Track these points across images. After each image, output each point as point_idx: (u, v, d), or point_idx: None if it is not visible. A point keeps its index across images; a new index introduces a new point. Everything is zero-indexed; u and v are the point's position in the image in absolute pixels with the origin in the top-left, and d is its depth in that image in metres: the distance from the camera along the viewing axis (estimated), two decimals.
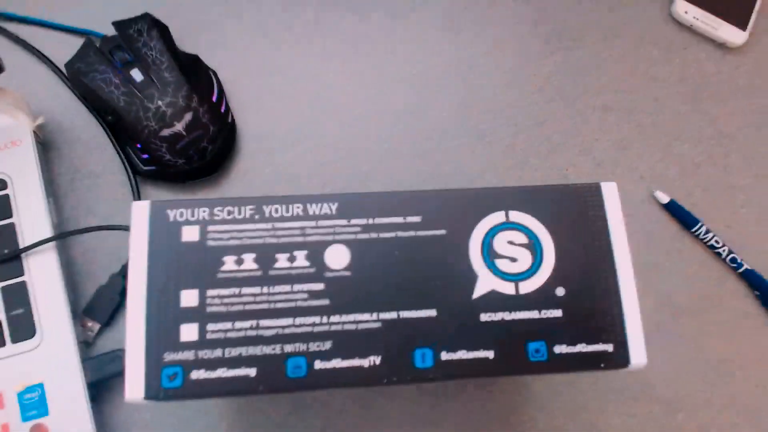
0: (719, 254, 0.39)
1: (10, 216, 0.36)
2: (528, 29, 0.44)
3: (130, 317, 0.22)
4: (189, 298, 0.22)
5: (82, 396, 0.34)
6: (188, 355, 0.22)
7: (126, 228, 0.37)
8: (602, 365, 0.23)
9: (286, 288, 0.23)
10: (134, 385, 0.22)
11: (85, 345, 0.36)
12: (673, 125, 0.43)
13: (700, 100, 0.43)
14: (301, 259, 0.23)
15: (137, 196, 0.38)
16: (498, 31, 0.44)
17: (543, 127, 0.42)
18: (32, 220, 0.36)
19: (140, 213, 0.23)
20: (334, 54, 0.43)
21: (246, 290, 0.23)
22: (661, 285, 0.39)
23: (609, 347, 0.23)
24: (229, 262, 0.23)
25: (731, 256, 0.39)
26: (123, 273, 0.37)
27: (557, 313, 0.23)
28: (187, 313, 0.22)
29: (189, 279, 0.23)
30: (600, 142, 0.42)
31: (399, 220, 0.23)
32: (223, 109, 0.39)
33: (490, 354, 0.23)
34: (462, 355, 0.23)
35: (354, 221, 0.23)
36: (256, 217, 0.23)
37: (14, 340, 0.35)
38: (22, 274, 0.36)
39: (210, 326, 0.22)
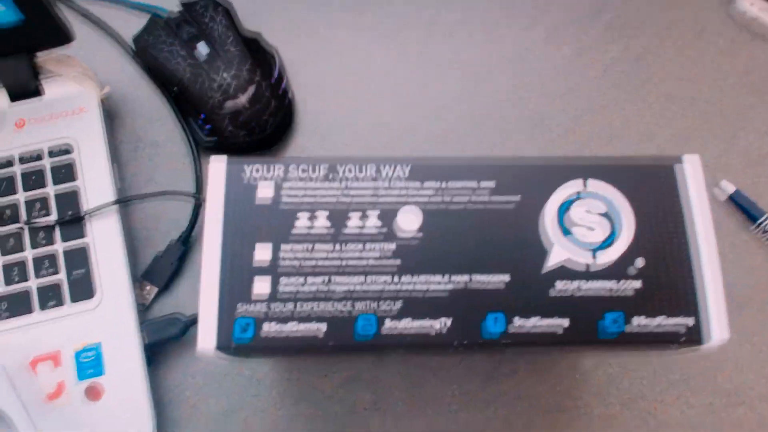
0: None
1: (75, 180, 0.37)
2: (588, 17, 0.43)
3: (205, 268, 0.22)
4: (262, 252, 0.23)
5: (138, 357, 0.35)
6: (260, 308, 0.22)
7: (188, 194, 0.38)
8: (682, 339, 0.22)
9: (358, 247, 0.23)
10: (206, 335, 0.22)
11: (142, 308, 0.37)
12: (738, 116, 0.41)
13: (766, 92, 0.42)
14: (373, 219, 0.23)
15: (198, 166, 0.39)
16: (556, 18, 0.43)
17: (604, 113, 0.41)
18: (96, 184, 0.37)
19: (217, 168, 0.23)
20: (392, 37, 0.43)
21: (318, 247, 0.23)
22: (724, 277, 0.38)
23: (690, 321, 0.22)
24: (302, 219, 0.23)
25: None
26: (182, 239, 0.38)
27: (636, 284, 0.22)
28: (261, 268, 0.22)
29: (263, 234, 0.23)
30: (663, 130, 0.41)
31: (472, 184, 0.23)
32: (283, 87, 0.39)
33: (564, 323, 0.22)
34: (535, 322, 0.22)
35: (427, 184, 0.23)
36: (330, 176, 0.23)
37: (74, 300, 0.35)
38: (84, 236, 0.36)
39: (282, 281, 0.22)
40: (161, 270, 0.37)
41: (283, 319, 0.22)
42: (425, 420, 0.36)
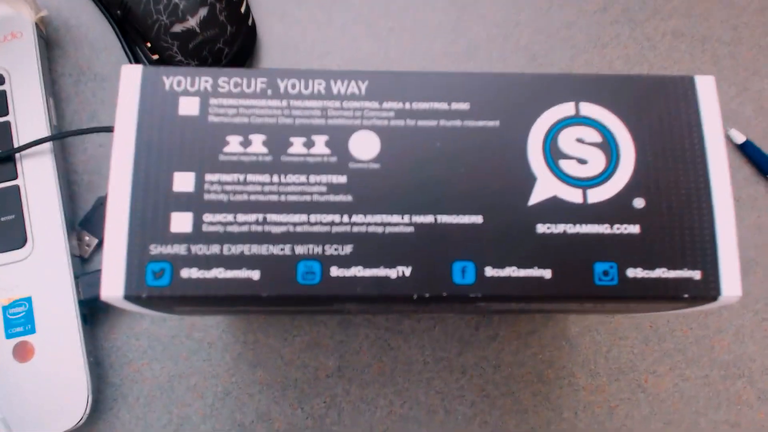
0: None
1: (6, 114, 0.33)
2: None
3: (111, 200, 0.18)
4: (183, 182, 0.19)
5: (73, 314, 0.31)
6: (179, 249, 0.18)
7: None
8: (686, 295, 0.18)
9: (301, 178, 0.19)
10: (113, 280, 0.18)
11: (80, 261, 0.33)
12: (751, 59, 0.37)
13: None
14: (320, 145, 0.19)
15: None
16: None
17: (605, 50, 0.37)
18: (29, 119, 0.33)
19: (130, 78, 0.19)
20: None
21: (252, 177, 0.19)
22: None
23: (696, 274, 0.18)
24: (233, 143, 0.19)
25: None
26: None
27: (634, 228, 0.18)
28: (180, 200, 0.18)
29: (185, 159, 0.19)
30: (669, 71, 0.37)
31: (442, 106, 0.19)
32: (242, 9, 0.34)
33: (546, 273, 0.18)
34: (510, 272, 0.18)
35: (387, 104, 0.19)
36: (269, 92, 0.19)
37: (2, 249, 0.32)
38: (15, 177, 0.32)
39: (207, 217, 0.18)
40: (102, 218, 0.33)
41: (207, 264, 0.18)
42: (394, 388, 0.33)
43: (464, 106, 0.19)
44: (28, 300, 0.31)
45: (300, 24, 0.37)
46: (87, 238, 0.33)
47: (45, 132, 0.33)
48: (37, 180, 0.32)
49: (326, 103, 0.19)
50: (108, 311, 0.33)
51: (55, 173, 0.32)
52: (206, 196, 0.18)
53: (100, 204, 0.33)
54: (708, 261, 0.18)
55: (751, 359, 0.33)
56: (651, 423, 0.33)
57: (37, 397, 0.30)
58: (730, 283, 0.18)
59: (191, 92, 0.19)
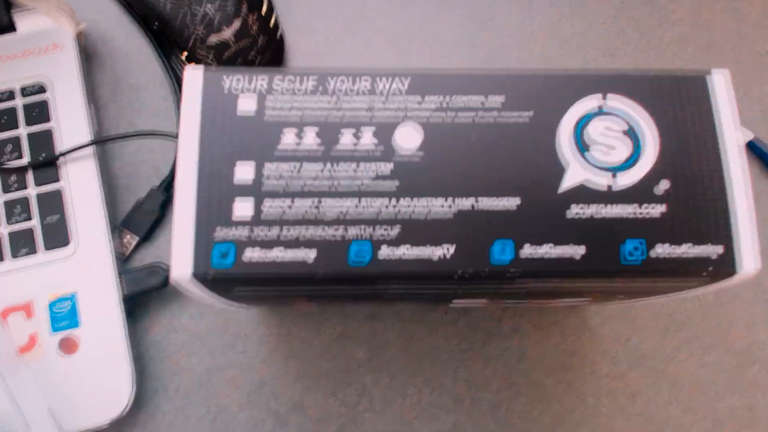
0: None
1: (48, 120, 0.35)
2: None
3: (179, 190, 0.20)
4: (244, 171, 0.20)
5: (116, 309, 0.33)
6: (242, 232, 0.20)
7: (170, 135, 0.35)
8: (710, 269, 0.20)
9: (351, 167, 0.20)
10: (181, 262, 0.20)
11: (122, 259, 0.35)
12: (756, 64, 0.39)
13: None
14: (368, 136, 0.21)
15: (180, 108, 0.36)
16: None
17: (614, 58, 0.39)
18: (71, 126, 0.35)
19: (193, 79, 0.21)
20: None
21: (307, 166, 0.20)
22: None
23: (719, 249, 0.20)
24: (288, 135, 0.20)
25: None
26: (164, 186, 0.35)
27: (661, 208, 0.20)
28: (242, 188, 0.20)
29: (245, 151, 0.20)
30: None
31: (479, 99, 0.21)
32: (272, 23, 0.36)
33: (580, 250, 0.20)
34: (547, 249, 0.20)
35: (428, 98, 0.21)
36: (320, 89, 0.21)
37: (48, 248, 0.33)
38: (58, 180, 0.34)
39: (267, 202, 0.20)
40: (142, 219, 0.35)
41: (268, 245, 0.20)
42: (422, 377, 0.34)
43: (500, 98, 0.21)
44: (73, 296, 0.33)
45: (325, 37, 0.39)
46: (128, 236, 0.34)
47: (87, 137, 0.34)
48: (80, 182, 0.34)
49: (372, 98, 0.21)
50: (149, 306, 0.34)
51: (97, 175, 0.34)
52: (265, 183, 0.20)
53: (139, 206, 0.35)
54: (728, 236, 0.20)
55: (763, 346, 0.35)
56: (671, 407, 0.34)
57: (82, 388, 0.32)
58: (751, 256, 0.20)
59: (249, 90, 0.21)
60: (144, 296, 0.34)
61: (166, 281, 0.33)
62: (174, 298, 0.34)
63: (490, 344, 0.35)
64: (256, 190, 0.20)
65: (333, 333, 0.34)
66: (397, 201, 0.20)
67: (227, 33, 0.34)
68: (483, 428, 0.34)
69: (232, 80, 0.21)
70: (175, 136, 0.36)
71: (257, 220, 0.20)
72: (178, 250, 0.20)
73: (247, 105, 0.21)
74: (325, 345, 0.34)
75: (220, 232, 0.20)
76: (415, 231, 0.20)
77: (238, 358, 0.34)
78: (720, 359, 0.35)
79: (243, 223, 0.20)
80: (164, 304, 0.34)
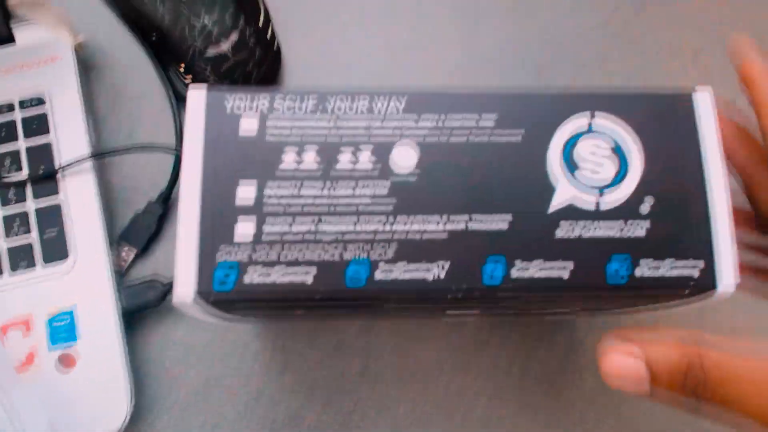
0: None
1: (47, 133, 0.35)
2: None
3: (183, 207, 0.20)
4: (246, 190, 0.21)
5: (114, 323, 0.33)
6: (244, 251, 0.20)
7: (168, 148, 0.36)
8: (692, 284, 0.21)
9: (350, 185, 0.21)
10: (185, 281, 0.20)
11: (119, 272, 0.35)
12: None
13: None
14: (366, 155, 0.21)
15: (179, 120, 0.37)
16: None
17: (606, 62, 0.39)
18: (70, 139, 0.35)
19: (196, 97, 0.21)
20: None
21: (307, 185, 0.21)
22: None
23: (700, 263, 0.21)
24: (289, 155, 0.21)
25: None
26: (161, 199, 0.36)
27: (645, 224, 0.21)
28: (245, 207, 0.21)
29: (247, 170, 0.21)
30: (664, 82, 0.39)
31: (473, 117, 0.22)
32: (269, 35, 0.37)
33: (569, 265, 0.21)
34: (538, 265, 0.21)
35: (424, 117, 0.22)
36: (320, 108, 0.21)
37: (46, 262, 0.33)
38: (57, 193, 0.34)
39: (267, 225, 0.21)
40: (140, 231, 0.35)
41: (269, 264, 0.20)
42: (416, 387, 0.35)
43: (493, 117, 0.22)
44: (72, 310, 0.33)
45: (320, 45, 0.39)
46: (126, 249, 0.35)
47: (85, 151, 0.35)
48: (79, 196, 0.34)
49: (369, 121, 0.21)
50: (146, 320, 0.35)
51: (96, 189, 0.34)
52: (267, 203, 0.21)
53: (137, 219, 0.35)
54: (709, 252, 0.21)
55: None
56: (656, 415, 0.35)
57: (81, 403, 0.32)
58: (729, 272, 0.21)
59: (251, 109, 0.21)
60: (141, 310, 0.34)
61: (162, 296, 0.34)
62: (171, 312, 0.35)
63: (480, 357, 0.35)
64: (258, 210, 0.21)
65: (328, 345, 0.35)
66: (394, 219, 0.21)
67: (225, 45, 0.35)
68: None
69: (235, 99, 0.21)
70: (173, 150, 0.36)
71: (259, 239, 0.20)
72: (182, 270, 0.20)
73: (249, 125, 0.21)
74: (320, 357, 0.35)
75: (223, 251, 0.20)
76: (412, 248, 0.21)
77: (234, 371, 0.35)
78: None
79: (245, 243, 0.20)
80: (161, 317, 0.35)
